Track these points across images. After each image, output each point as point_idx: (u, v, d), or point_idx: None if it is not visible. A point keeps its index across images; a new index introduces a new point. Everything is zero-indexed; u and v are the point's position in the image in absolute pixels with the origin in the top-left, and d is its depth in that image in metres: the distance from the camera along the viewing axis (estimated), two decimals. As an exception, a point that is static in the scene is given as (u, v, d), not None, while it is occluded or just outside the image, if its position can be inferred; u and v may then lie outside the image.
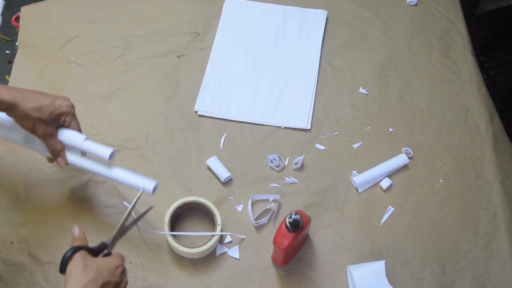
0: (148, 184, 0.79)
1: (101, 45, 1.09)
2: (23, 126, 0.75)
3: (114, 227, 0.87)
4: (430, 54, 1.09)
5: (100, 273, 0.64)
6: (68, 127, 0.78)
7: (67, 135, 0.78)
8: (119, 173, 0.80)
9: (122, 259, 0.71)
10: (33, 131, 0.75)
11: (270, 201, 0.92)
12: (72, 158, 0.80)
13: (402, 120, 1.01)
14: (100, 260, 0.67)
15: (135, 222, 0.81)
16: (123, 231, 0.81)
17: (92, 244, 0.72)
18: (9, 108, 0.72)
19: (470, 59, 1.09)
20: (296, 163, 0.95)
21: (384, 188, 0.93)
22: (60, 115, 0.76)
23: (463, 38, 1.11)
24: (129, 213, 0.79)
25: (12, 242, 0.87)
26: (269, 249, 0.87)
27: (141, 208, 0.86)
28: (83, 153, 0.80)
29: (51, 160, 0.82)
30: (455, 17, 1.15)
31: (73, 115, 0.78)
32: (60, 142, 0.78)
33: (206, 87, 1.04)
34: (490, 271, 0.86)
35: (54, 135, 0.76)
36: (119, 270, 0.68)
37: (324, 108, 1.02)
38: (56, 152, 0.78)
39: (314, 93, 1.04)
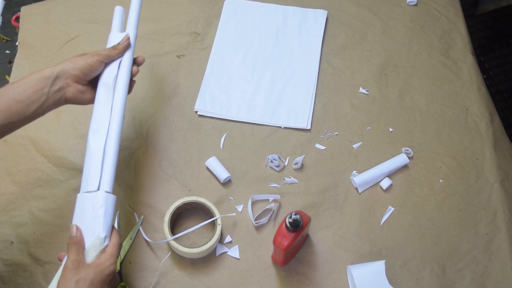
0: None
1: (101, 45, 1.09)
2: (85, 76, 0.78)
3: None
4: (430, 54, 1.09)
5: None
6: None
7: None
8: None
9: (116, 256, 0.68)
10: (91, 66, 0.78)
11: (270, 201, 0.92)
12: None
13: (402, 120, 1.01)
14: (93, 270, 0.65)
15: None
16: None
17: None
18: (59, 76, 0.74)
19: (470, 59, 1.08)
20: (296, 163, 0.95)
21: (384, 188, 0.93)
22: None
23: (463, 38, 1.11)
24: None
25: (12, 242, 0.87)
26: (269, 249, 0.87)
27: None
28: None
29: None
30: (455, 17, 1.15)
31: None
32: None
33: (206, 87, 1.04)
34: (490, 271, 0.86)
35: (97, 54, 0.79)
36: (110, 277, 0.66)
37: (324, 108, 1.02)
38: (116, 46, 0.81)
39: (314, 93, 1.04)
